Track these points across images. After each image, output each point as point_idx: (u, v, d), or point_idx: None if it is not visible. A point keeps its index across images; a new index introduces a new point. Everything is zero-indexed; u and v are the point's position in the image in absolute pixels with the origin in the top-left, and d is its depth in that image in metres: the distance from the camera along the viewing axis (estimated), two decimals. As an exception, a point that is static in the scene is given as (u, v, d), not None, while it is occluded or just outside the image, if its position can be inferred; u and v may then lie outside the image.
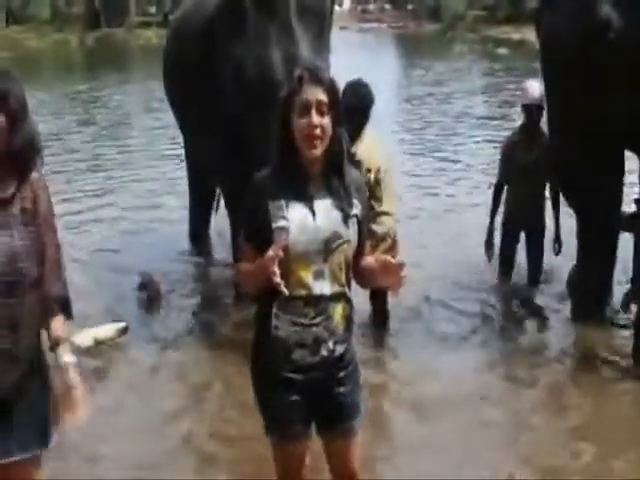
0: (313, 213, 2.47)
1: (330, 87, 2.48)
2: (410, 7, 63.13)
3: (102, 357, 4.97)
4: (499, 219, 5.99)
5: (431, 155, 11.21)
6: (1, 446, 2.41)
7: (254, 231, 2.52)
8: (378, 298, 5.15)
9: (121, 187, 9.53)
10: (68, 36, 40.34)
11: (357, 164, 4.39)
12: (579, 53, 4.85)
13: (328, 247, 2.47)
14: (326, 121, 2.44)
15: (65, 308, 2.54)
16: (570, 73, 5.01)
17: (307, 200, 2.49)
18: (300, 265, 2.45)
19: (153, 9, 55.55)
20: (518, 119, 6.60)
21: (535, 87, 5.63)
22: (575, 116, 5.09)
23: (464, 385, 4.59)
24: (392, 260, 2.45)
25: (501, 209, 6.00)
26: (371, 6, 68.91)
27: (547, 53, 5.35)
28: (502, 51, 30.04)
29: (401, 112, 15.52)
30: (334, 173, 2.52)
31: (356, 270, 2.62)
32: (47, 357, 2.54)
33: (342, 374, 2.59)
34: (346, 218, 2.50)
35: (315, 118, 2.42)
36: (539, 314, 5.62)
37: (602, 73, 4.79)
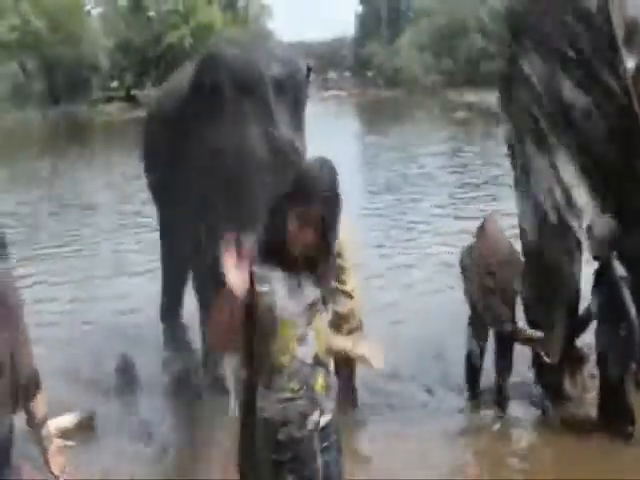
0: (298, 282, 2.54)
1: (333, 201, 2.49)
2: (369, 74, 64.33)
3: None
4: None
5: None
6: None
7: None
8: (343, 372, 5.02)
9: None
10: (30, 113, 40.23)
11: None
12: None
13: (311, 311, 2.54)
14: (319, 232, 2.47)
15: (39, 387, 2.64)
16: None
17: (292, 272, 2.53)
18: (285, 330, 2.49)
19: (115, 84, 55.99)
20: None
21: None
22: None
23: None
24: None
25: None
26: (331, 74, 69.87)
27: None
28: (461, 114, 30.36)
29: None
30: (316, 262, 2.57)
31: None
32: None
33: (326, 444, 2.60)
34: (319, 293, 2.59)
35: (312, 234, 2.47)
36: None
37: None
